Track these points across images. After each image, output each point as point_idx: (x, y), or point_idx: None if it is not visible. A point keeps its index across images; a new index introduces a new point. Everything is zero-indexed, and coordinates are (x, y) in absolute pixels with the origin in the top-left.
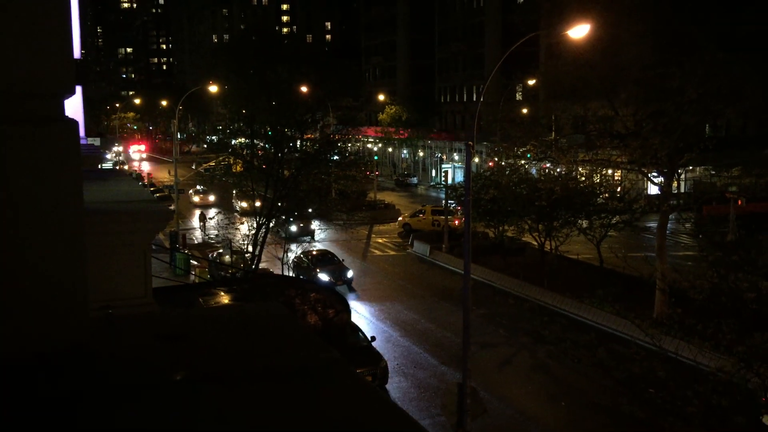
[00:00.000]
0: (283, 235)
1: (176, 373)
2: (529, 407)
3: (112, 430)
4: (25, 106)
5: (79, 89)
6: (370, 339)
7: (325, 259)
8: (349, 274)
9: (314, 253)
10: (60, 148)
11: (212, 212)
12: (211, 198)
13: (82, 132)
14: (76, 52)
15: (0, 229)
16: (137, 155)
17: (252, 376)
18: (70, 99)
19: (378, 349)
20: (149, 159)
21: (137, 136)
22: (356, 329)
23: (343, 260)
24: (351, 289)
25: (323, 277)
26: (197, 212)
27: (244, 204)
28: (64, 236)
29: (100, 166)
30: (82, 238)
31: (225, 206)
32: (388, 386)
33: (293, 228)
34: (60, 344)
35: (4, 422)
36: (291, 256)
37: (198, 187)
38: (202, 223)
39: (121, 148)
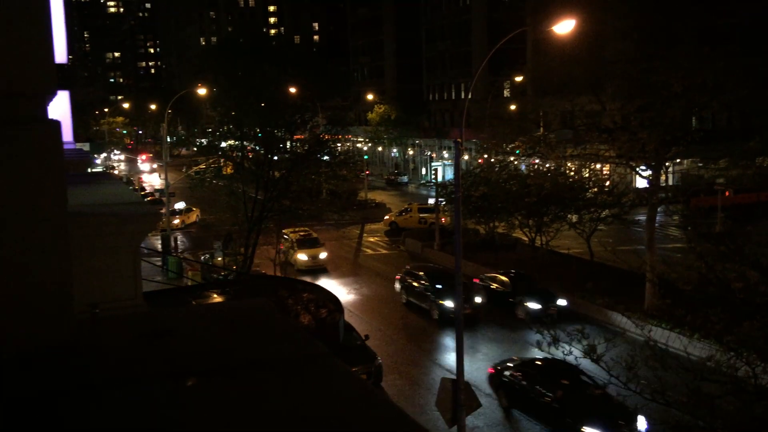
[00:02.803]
0: (435, 317)
1: (159, 367)
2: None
3: (87, 423)
4: (5, 106)
5: (66, 94)
6: (364, 338)
7: (557, 378)
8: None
9: (537, 366)
10: (41, 148)
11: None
12: (179, 220)
13: (70, 137)
14: (63, 57)
15: None
16: (147, 166)
17: (236, 369)
18: (59, 104)
19: (372, 347)
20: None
21: (128, 143)
22: (350, 328)
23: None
24: None
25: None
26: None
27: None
28: (47, 235)
29: (89, 170)
30: (66, 238)
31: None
32: (383, 384)
33: (449, 303)
34: (43, 342)
35: None
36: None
37: (178, 206)
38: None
39: (122, 156)
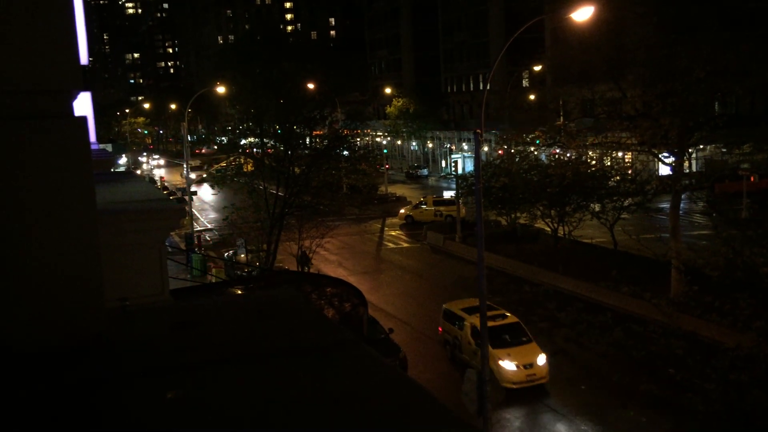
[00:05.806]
0: None
1: (191, 356)
2: (549, 392)
3: (121, 410)
4: (34, 102)
5: (88, 96)
6: (387, 331)
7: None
8: None
9: None
10: (69, 142)
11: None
12: None
13: (93, 137)
14: (84, 59)
15: (9, 220)
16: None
17: (266, 356)
18: (80, 105)
19: (397, 340)
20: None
21: (149, 144)
22: (374, 322)
23: None
24: None
25: None
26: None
27: None
28: (77, 229)
29: (112, 170)
30: (94, 232)
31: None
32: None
33: None
34: (76, 334)
35: (21, 405)
36: None
37: None
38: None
39: (161, 162)
